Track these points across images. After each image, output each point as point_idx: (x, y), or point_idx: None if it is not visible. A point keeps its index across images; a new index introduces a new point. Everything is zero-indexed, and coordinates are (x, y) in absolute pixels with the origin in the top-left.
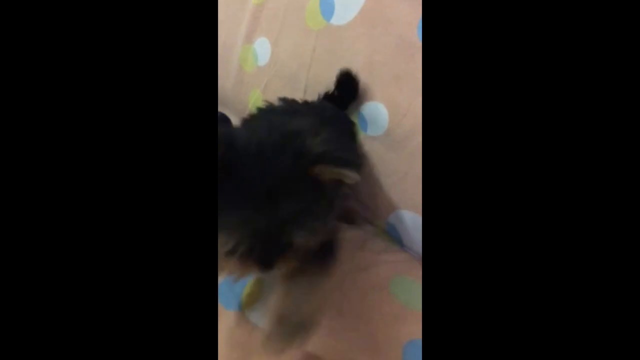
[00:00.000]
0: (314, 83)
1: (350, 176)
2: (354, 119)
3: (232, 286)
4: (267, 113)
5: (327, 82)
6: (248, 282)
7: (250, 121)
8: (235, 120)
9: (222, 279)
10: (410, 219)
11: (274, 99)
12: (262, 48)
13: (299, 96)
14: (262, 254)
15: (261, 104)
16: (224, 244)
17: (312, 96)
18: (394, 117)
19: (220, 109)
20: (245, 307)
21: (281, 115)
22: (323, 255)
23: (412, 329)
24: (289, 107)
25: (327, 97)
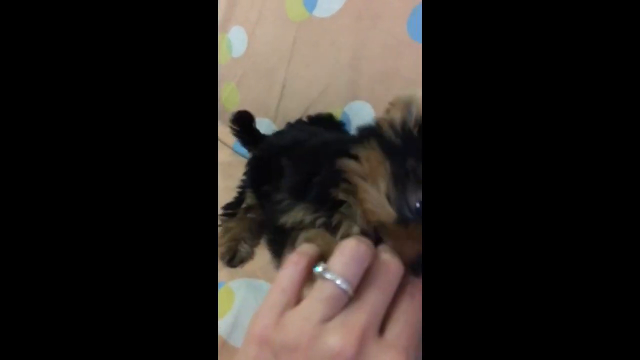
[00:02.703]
0: (293, 78)
1: None
2: (337, 118)
3: None
4: None
5: (308, 77)
6: None
7: None
8: None
9: None
10: None
11: (249, 94)
12: (238, 38)
13: (277, 90)
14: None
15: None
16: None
17: (290, 91)
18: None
19: None
20: None
21: None
22: None
23: None
24: None
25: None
